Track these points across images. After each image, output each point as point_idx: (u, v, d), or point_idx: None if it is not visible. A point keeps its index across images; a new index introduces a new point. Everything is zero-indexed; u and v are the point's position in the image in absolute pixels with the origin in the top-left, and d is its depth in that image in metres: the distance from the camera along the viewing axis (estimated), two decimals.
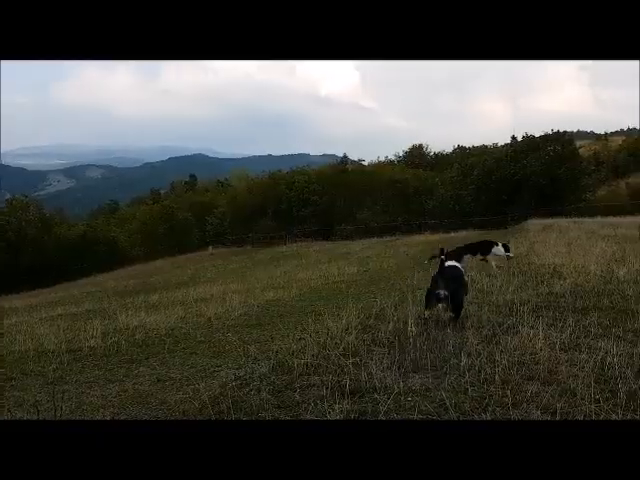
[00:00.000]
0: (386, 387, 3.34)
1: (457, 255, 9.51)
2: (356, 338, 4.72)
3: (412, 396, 3.18)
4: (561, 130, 43.51)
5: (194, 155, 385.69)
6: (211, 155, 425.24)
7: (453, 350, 4.15)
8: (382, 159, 72.44)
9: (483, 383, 3.37)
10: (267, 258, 29.91)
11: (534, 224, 23.93)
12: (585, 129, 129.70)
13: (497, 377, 3.41)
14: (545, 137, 41.46)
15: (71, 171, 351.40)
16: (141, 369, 5.56)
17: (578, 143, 51.37)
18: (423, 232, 35.50)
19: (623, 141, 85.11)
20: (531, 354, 3.96)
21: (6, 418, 3.83)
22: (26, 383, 5.35)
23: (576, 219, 26.80)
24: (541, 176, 37.88)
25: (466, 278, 6.13)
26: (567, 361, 3.83)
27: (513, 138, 44.76)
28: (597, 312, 5.43)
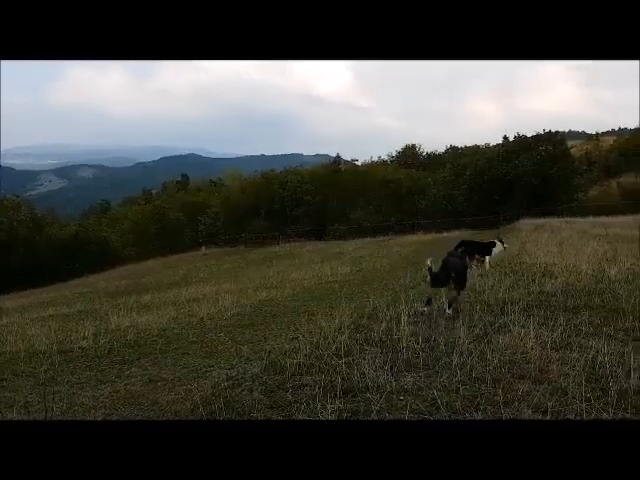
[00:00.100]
0: (378, 386, 3.35)
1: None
2: (349, 338, 4.73)
3: (404, 395, 3.19)
4: (553, 130, 43.75)
5: (186, 155, 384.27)
6: (204, 155, 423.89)
7: (445, 349, 4.17)
8: (375, 159, 72.54)
9: (475, 382, 3.39)
10: (260, 258, 29.87)
11: (526, 224, 24.04)
12: (577, 129, 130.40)
13: (488, 376, 3.42)
14: (537, 137, 41.60)
15: (63, 171, 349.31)
16: (133, 370, 5.54)
17: (570, 143, 51.62)
18: (416, 232, 35.55)
19: (614, 141, 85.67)
20: (522, 353, 3.98)
21: None
22: (17, 384, 5.32)
23: (568, 219, 26.93)
24: (533, 176, 38.00)
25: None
26: (558, 360, 3.86)
27: (505, 138, 44.91)
28: (588, 311, 5.47)
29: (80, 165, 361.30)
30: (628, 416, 2.89)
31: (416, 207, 44.85)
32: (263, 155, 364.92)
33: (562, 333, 4.51)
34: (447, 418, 2.83)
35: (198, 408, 3.29)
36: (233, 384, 3.90)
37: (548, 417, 2.81)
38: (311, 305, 8.95)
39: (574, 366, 3.67)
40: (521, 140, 42.34)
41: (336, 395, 3.22)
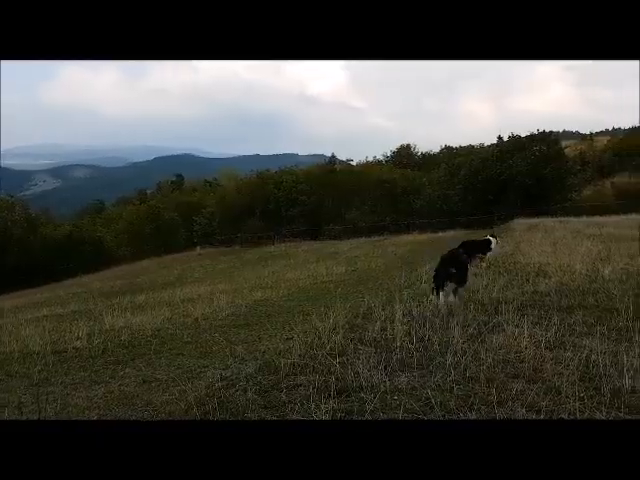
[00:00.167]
0: (373, 386, 3.35)
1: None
2: (343, 337, 4.73)
3: (398, 395, 3.19)
4: (547, 130, 43.91)
5: (181, 155, 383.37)
6: (198, 155, 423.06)
7: (439, 349, 4.17)
8: (370, 159, 72.50)
9: (468, 381, 3.39)
10: (255, 258, 29.85)
11: (520, 223, 24.11)
12: (571, 129, 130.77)
13: (482, 375, 3.43)
14: (531, 137, 41.74)
15: (57, 171, 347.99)
16: (127, 370, 5.53)
17: (564, 143, 51.77)
18: (411, 232, 35.61)
19: (608, 141, 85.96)
20: (516, 352, 3.99)
21: None
22: (10, 385, 5.30)
23: (562, 218, 27.04)
24: (527, 176, 38.12)
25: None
26: (552, 359, 3.87)
27: (499, 138, 45.05)
28: (582, 310, 5.49)
29: (74, 165, 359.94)
30: (621, 415, 2.90)
31: (411, 207, 44.90)
32: (258, 155, 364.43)
33: (556, 332, 4.53)
34: (441, 418, 2.83)
35: (192, 409, 3.28)
36: (227, 384, 3.89)
37: (542, 416, 2.82)
38: (306, 305, 8.96)
39: (568, 365, 3.68)
40: (515, 140, 42.47)
41: (330, 395, 3.22)
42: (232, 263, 28.56)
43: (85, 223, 59.02)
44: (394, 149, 72.47)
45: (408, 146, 72.63)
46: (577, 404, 2.95)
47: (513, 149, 40.69)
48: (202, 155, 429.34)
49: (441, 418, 2.82)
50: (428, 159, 66.84)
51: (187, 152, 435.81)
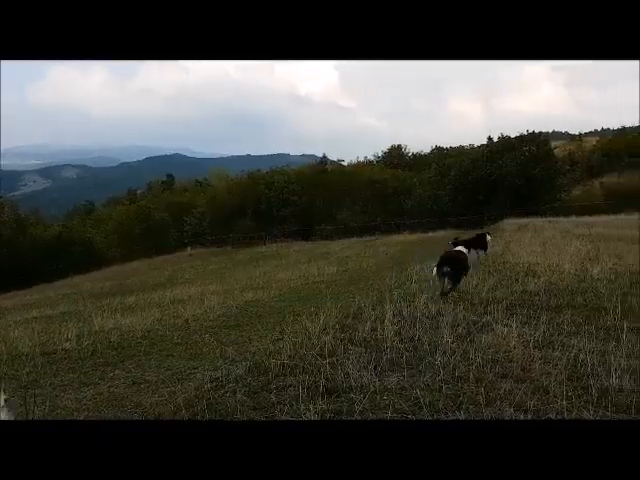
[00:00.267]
0: (362, 386, 3.36)
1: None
2: (333, 338, 4.73)
3: (387, 395, 3.20)
4: (536, 131, 44.19)
5: (172, 155, 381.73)
6: (189, 155, 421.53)
7: (429, 348, 4.19)
8: (361, 159, 72.62)
9: (457, 381, 3.41)
10: (246, 258, 29.77)
11: (510, 224, 24.24)
12: (560, 129, 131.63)
13: (471, 375, 3.44)
14: (520, 138, 41.98)
15: (47, 171, 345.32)
16: (116, 372, 5.49)
17: (553, 143, 52.09)
18: (402, 232, 35.68)
19: (597, 141, 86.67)
20: (505, 352, 4.01)
21: None
22: None
23: (551, 218, 27.22)
24: (516, 176, 38.33)
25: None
26: (540, 359, 3.89)
27: (489, 139, 45.27)
28: (570, 310, 5.53)
29: (64, 165, 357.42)
30: (609, 414, 2.92)
31: (402, 207, 45.00)
32: (249, 155, 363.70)
33: (544, 332, 4.55)
34: (430, 418, 2.84)
35: (181, 410, 3.27)
36: (216, 386, 3.88)
37: (530, 416, 2.84)
38: (297, 305, 8.94)
39: (556, 365, 3.71)
40: (505, 141, 42.71)
41: (320, 396, 3.22)
42: (223, 264, 28.47)
43: (75, 224, 58.60)
44: (385, 149, 72.66)
45: (399, 146, 72.85)
46: (565, 403, 2.97)
47: (503, 149, 40.91)
48: (193, 155, 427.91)
49: (430, 418, 2.83)
50: (419, 159, 67.02)
51: (178, 152, 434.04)
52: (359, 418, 2.85)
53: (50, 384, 5.21)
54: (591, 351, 3.96)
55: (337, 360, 3.98)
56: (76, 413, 4.11)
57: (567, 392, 3.17)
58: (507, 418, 2.83)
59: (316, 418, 2.87)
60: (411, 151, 72.39)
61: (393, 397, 3.15)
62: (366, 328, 4.98)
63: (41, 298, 20.37)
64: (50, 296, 20.73)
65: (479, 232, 11.95)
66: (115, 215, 55.56)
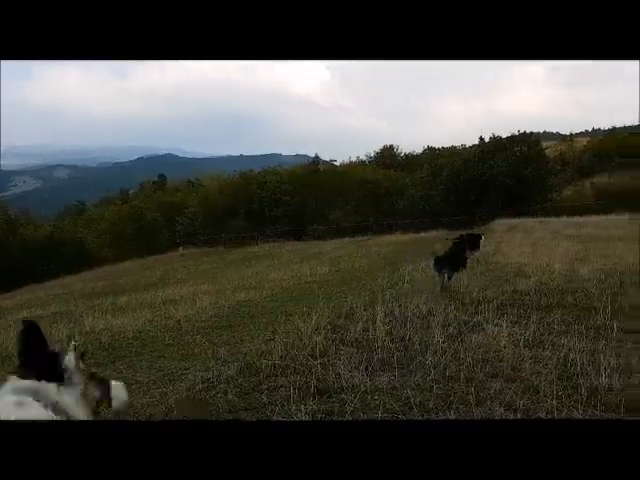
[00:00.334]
0: (353, 386, 3.36)
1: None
2: (325, 338, 4.73)
3: (378, 395, 3.21)
4: (527, 131, 44.44)
5: (164, 155, 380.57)
6: (181, 155, 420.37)
7: (420, 348, 4.20)
8: (353, 159, 72.66)
9: (448, 381, 3.42)
10: (239, 258, 29.70)
11: (501, 224, 24.35)
12: (551, 130, 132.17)
13: (462, 375, 3.46)
14: (512, 138, 42.18)
15: (38, 171, 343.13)
16: (107, 373, 5.46)
17: (544, 144, 52.36)
18: (394, 232, 35.74)
19: (588, 142, 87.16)
20: (495, 351, 4.03)
21: None
22: None
23: (542, 219, 27.36)
24: (508, 176, 38.50)
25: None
26: (531, 358, 3.91)
27: (481, 139, 45.48)
28: (560, 309, 5.57)
29: (55, 165, 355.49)
30: (598, 413, 2.94)
31: (394, 207, 45.09)
32: (242, 155, 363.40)
33: (535, 331, 4.58)
34: (420, 417, 2.86)
35: (172, 411, 3.26)
36: (208, 386, 3.87)
37: (520, 415, 2.86)
38: (289, 306, 8.93)
39: (546, 364, 3.73)
40: (496, 141, 42.90)
41: (311, 396, 3.23)
42: (215, 264, 28.39)
43: (66, 224, 58.29)
44: (377, 150, 72.77)
45: (391, 147, 72.99)
46: (555, 403, 2.99)
47: (494, 150, 41.09)
48: (185, 155, 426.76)
49: (420, 418, 2.84)
50: (411, 160, 67.17)
51: (170, 152, 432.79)
52: (350, 418, 2.86)
53: None
54: (581, 350, 3.99)
55: (328, 360, 3.98)
56: None
57: (557, 391, 3.19)
58: (497, 417, 2.84)
59: (307, 419, 2.87)
60: (403, 151, 72.59)
61: (384, 397, 3.16)
62: (358, 328, 4.99)
63: (32, 298, 20.23)
64: (41, 296, 20.59)
65: (470, 233, 12.05)
66: (107, 215, 55.30)
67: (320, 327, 5.25)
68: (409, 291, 7.24)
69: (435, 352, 3.98)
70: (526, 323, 4.85)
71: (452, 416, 2.84)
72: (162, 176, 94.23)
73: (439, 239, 14.29)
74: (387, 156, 70.43)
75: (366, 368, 3.77)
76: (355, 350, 4.32)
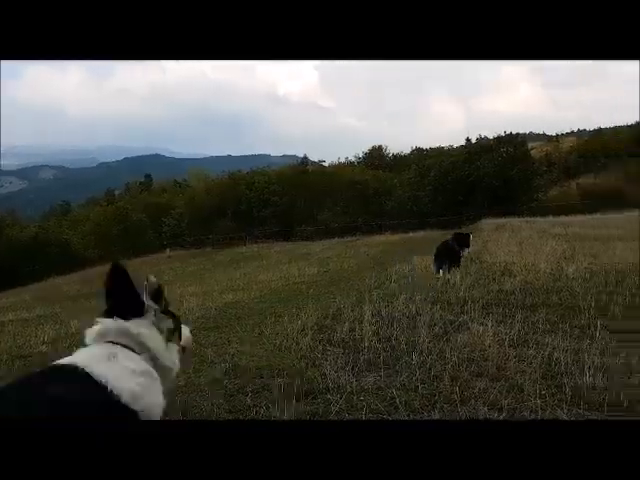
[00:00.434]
0: (339, 387, 3.36)
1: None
2: (312, 339, 4.73)
3: (364, 395, 3.21)
4: (514, 132, 44.85)
5: (151, 155, 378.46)
6: (168, 155, 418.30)
7: (406, 348, 4.21)
8: (342, 160, 72.80)
9: (433, 380, 3.43)
10: (227, 260, 29.59)
11: (488, 224, 24.48)
12: (537, 131, 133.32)
13: (447, 374, 3.47)
14: (498, 139, 42.53)
15: (23, 172, 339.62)
16: None
17: (530, 145, 52.92)
18: (383, 232, 35.83)
19: (574, 142, 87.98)
20: (480, 351, 4.05)
21: None
22: None
23: (528, 218, 27.58)
24: (494, 177, 38.81)
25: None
26: (515, 357, 3.94)
27: (468, 140, 45.83)
28: (545, 309, 5.60)
29: (41, 166, 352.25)
30: (581, 412, 2.96)
31: (383, 208, 45.24)
32: (230, 155, 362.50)
33: (520, 330, 4.61)
34: (405, 417, 2.86)
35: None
36: (193, 389, 3.85)
37: (504, 414, 2.87)
38: (277, 307, 8.90)
39: (530, 363, 3.75)
40: (483, 142, 43.22)
41: (296, 397, 3.22)
42: (203, 265, 28.26)
43: (51, 225, 57.76)
44: (366, 150, 72.95)
45: (379, 147, 73.22)
46: (539, 402, 3.01)
47: (481, 151, 41.40)
48: (172, 155, 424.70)
49: (405, 418, 2.85)
50: (399, 160, 67.44)
51: (157, 152, 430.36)
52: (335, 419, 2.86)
53: None
54: (565, 349, 4.02)
55: (315, 361, 3.98)
56: None
57: (541, 390, 3.21)
58: (481, 416, 2.86)
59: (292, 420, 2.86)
60: (391, 152, 72.83)
61: (370, 397, 3.16)
62: (344, 329, 4.99)
63: (17, 301, 20.02)
64: (26, 299, 20.38)
65: (459, 232, 12.18)
66: (92, 216, 54.86)
67: (307, 328, 5.25)
68: (397, 291, 7.26)
69: (421, 352, 3.99)
70: (511, 322, 4.88)
71: (437, 415, 2.85)
72: (148, 176, 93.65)
73: (427, 239, 14.36)
74: (375, 157, 70.65)
75: (352, 369, 3.77)
76: (342, 350, 4.32)
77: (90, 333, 1.79)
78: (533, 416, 2.90)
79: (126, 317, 1.79)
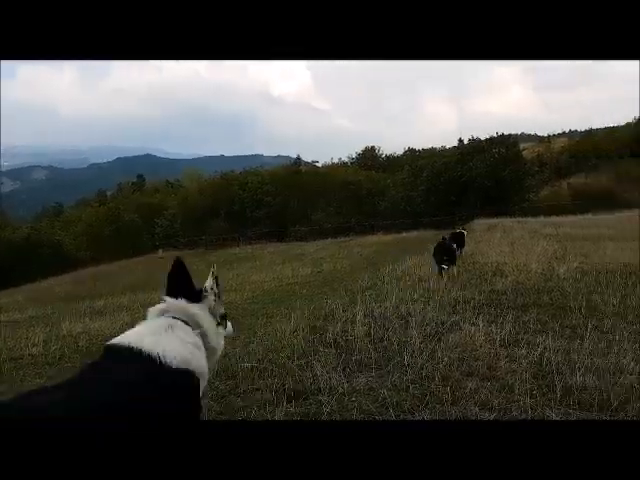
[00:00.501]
0: (331, 388, 3.36)
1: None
2: (304, 340, 4.73)
3: (356, 396, 3.21)
4: (506, 133, 44.99)
5: (143, 155, 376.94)
6: (161, 155, 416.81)
7: (398, 349, 4.21)
8: (335, 161, 72.76)
9: (424, 380, 3.44)
10: (220, 261, 29.50)
11: (480, 224, 24.54)
12: (529, 131, 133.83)
13: (438, 374, 3.48)
14: (490, 140, 42.66)
15: (15, 173, 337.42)
16: None
17: (522, 145, 53.11)
18: (376, 233, 35.85)
19: (565, 143, 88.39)
20: (472, 350, 4.06)
21: None
22: None
23: (520, 219, 27.68)
24: (486, 178, 38.92)
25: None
26: (506, 357, 3.95)
27: (460, 141, 45.94)
28: (536, 309, 5.63)
29: (34, 166, 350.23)
30: (571, 412, 2.98)
31: (376, 208, 45.25)
32: (223, 156, 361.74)
33: (511, 330, 4.63)
34: (395, 418, 2.87)
35: None
36: None
37: (494, 414, 2.88)
38: (270, 307, 8.90)
39: (521, 363, 3.77)
40: (475, 143, 43.36)
41: (287, 399, 3.22)
42: (195, 266, 27.93)
43: (44, 226, 57.38)
44: (359, 151, 72.95)
45: (373, 148, 73.22)
46: (529, 401, 3.03)
47: (473, 151, 41.51)
48: (165, 156, 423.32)
49: (395, 418, 2.85)
50: (392, 161, 67.47)
51: (150, 152, 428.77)
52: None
53: (15, 391, 5.08)
54: (556, 349, 4.04)
55: (307, 362, 3.98)
56: None
57: (532, 390, 3.23)
58: (472, 416, 2.87)
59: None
60: (385, 153, 72.87)
61: (361, 398, 3.16)
62: (337, 329, 4.99)
63: (9, 302, 19.86)
64: (18, 300, 20.24)
65: (453, 232, 12.29)
66: (84, 217, 54.56)
67: (299, 328, 5.24)
68: (389, 291, 7.26)
69: (413, 352, 4.00)
70: (502, 322, 4.90)
71: (428, 416, 2.86)
72: (140, 177, 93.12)
73: (420, 239, 14.39)
74: (369, 157, 70.65)
75: (344, 369, 3.77)
76: (334, 351, 4.32)
77: (154, 309, 2.07)
78: (524, 416, 2.92)
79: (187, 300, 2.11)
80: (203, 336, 2.07)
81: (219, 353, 2.25)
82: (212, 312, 2.21)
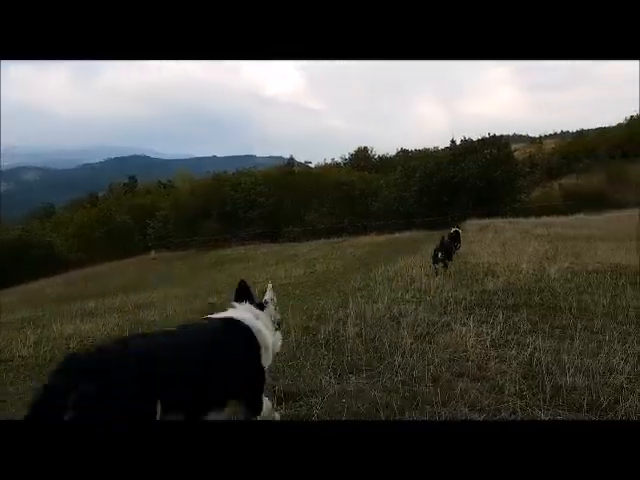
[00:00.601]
0: (321, 390, 3.36)
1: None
2: (296, 341, 4.72)
3: (346, 398, 3.21)
4: (497, 134, 45.13)
5: (135, 156, 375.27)
6: (153, 156, 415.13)
7: (389, 349, 4.22)
8: (328, 161, 72.69)
9: (415, 381, 3.44)
10: (212, 262, 29.43)
11: (472, 224, 24.61)
12: (521, 132, 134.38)
13: (428, 375, 3.49)
14: (482, 141, 42.77)
15: (7, 173, 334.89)
16: None
17: (514, 146, 53.23)
18: (369, 233, 35.83)
19: (556, 144, 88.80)
20: (462, 351, 4.07)
21: None
22: None
23: (512, 219, 27.78)
24: (478, 178, 39.02)
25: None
26: (496, 357, 3.96)
27: (452, 142, 46.04)
28: (527, 309, 5.66)
29: (25, 167, 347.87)
30: (560, 412, 3.00)
31: (369, 209, 45.24)
32: (215, 156, 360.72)
33: (501, 331, 4.64)
34: (385, 419, 2.87)
35: None
36: None
37: (484, 415, 2.89)
38: None
39: (511, 363, 3.78)
40: (467, 144, 43.49)
41: (278, 401, 3.21)
42: (188, 267, 28.08)
43: (35, 227, 56.94)
44: (352, 152, 72.94)
45: (365, 149, 73.19)
46: (519, 402, 3.04)
47: (465, 152, 41.61)
48: (157, 156, 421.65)
49: (385, 419, 2.86)
50: (385, 162, 67.49)
51: (141, 153, 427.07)
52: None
53: (5, 393, 5.05)
54: (546, 350, 4.06)
55: (298, 364, 3.97)
56: None
57: (522, 390, 3.24)
58: (462, 417, 2.88)
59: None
60: (377, 153, 72.89)
61: (352, 400, 3.16)
62: (328, 330, 4.99)
63: (0, 303, 19.73)
64: (9, 301, 20.10)
65: (450, 232, 12.41)
66: (76, 218, 54.21)
67: (292, 329, 5.24)
68: (381, 292, 7.28)
69: (404, 353, 4.00)
70: (493, 322, 4.92)
71: (418, 417, 2.86)
72: (132, 178, 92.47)
73: (413, 240, 14.41)
74: (361, 158, 70.62)
75: (335, 370, 3.77)
76: (325, 352, 4.32)
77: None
78: (513, 416, 2.93)
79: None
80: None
81: (276, 351, 2.84)
82: (272, 319, 2.91)
